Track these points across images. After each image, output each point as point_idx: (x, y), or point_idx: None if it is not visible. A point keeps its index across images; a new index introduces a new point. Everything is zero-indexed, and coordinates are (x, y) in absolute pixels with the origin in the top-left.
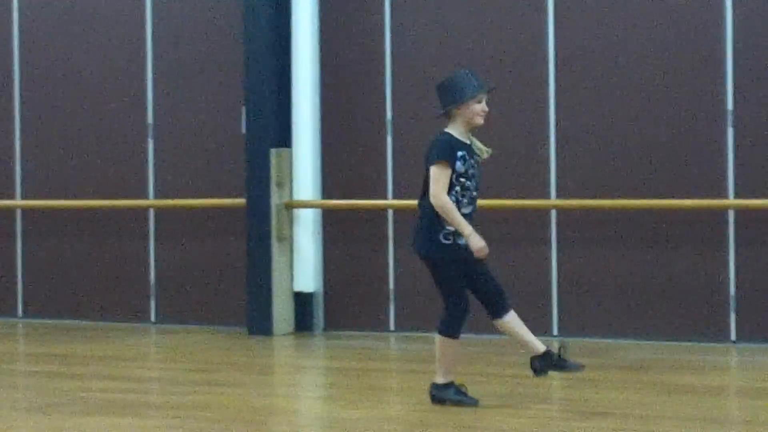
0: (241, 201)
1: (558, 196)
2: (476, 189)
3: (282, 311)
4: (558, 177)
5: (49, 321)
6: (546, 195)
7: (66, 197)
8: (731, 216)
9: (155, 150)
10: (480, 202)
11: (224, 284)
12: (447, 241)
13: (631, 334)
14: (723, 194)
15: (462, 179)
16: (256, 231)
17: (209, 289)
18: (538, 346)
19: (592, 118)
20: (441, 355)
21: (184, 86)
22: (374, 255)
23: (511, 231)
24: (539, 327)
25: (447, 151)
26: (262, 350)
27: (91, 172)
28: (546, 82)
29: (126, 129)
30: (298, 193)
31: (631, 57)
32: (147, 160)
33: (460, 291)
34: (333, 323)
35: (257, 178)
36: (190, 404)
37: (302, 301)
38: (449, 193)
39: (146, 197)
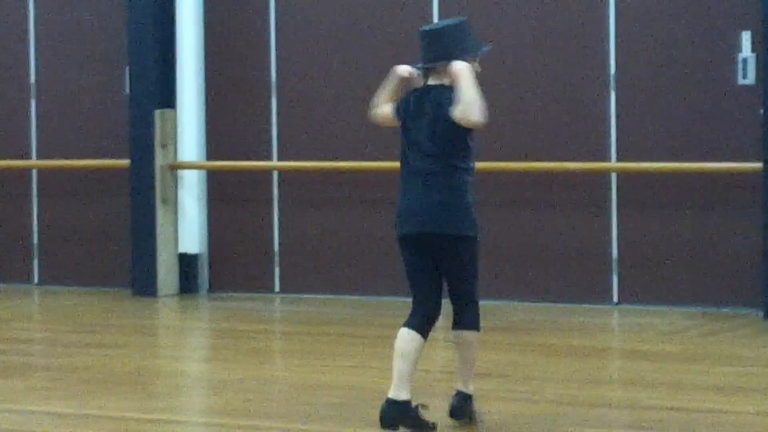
0: (125, 162)
1: None
2: None
3: (166, 272)
4: None
5: None
6: None
7: None
8: (613, 179)
9: (38, 110)
10: None
11: (108, 245)
12: (475, 216)
13: (514, 296)
14: (605, 157)
15: (476, 140)
16: (140, 192)
17: (93, 251)
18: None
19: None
20: (474, 356)
21: (67, 45)
22: (259, 216)
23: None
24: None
25: None
26: (146, 311)
27: None
28: None
29: (8, 88)
30: (182, 154)
31: (513, 19)
32: (29, 120)
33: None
34: (217, 284)
35: (141, 139)
36: (73, 366)
37: (187, 262)
38: (468, 157)
39: (29, 157)
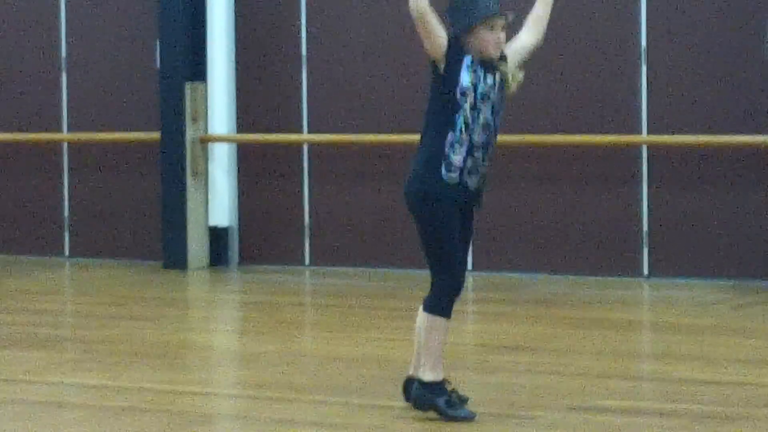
0: (155, 135)
1: None
2: (494, 117)
3: (197, 245)
4: None
5: None
6: None
7: None
8: (644, 152)
9: (69, 83)
10: None
11: (139, 218)
12: (451, 174)
13: (543, 269)
14: (636, 131)
15: (469, 96)
16: (171, 165)
17: (124, 223)
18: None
19: None
20: (426, 341)
21: (98, 19)
22: (289, 189)
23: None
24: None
25: (453, 45)
26: (177, 284)
27: (3, 104)
28: None
29: (39, 62)
30: (212, 127)
31: None
32: (60, 94)
33: (457, 251)
34: (248, 257)
35: (172, 112)
36: (104, 338)
37: (217, 235)
38: (449, 113)
39: (60, 131)
